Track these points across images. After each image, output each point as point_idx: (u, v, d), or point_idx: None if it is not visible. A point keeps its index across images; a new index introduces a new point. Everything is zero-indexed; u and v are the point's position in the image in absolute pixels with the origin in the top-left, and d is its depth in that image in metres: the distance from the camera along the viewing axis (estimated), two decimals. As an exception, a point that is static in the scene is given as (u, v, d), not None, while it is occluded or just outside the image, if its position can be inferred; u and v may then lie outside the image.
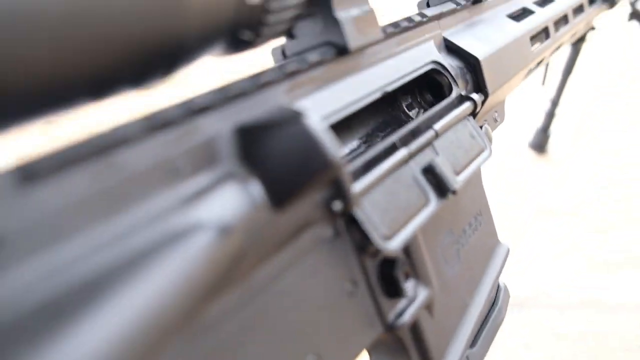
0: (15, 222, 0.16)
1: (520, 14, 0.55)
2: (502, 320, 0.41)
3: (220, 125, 0.23)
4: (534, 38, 0.55)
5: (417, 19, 0.38)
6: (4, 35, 0.14)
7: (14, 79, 0.15)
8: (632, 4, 1.21)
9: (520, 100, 1.51)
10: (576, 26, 0.72)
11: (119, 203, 0.19)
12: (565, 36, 0.67)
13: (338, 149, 0.22)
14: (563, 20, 0.65)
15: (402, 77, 0.35)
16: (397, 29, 0.36)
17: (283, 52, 0.32)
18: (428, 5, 0.48)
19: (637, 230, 0.96)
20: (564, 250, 0.98)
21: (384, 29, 0.34)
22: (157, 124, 0.21)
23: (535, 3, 0.60)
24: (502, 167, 1.39)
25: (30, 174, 0.17)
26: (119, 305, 0.16)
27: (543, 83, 1.37)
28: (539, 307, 0.86)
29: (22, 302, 0.15)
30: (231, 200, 0.22)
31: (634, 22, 1.24)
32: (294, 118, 0.22)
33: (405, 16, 0.38)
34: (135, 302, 0.17)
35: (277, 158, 0.22)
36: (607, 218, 1.03)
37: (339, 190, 0.25)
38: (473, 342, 0.37)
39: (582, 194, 1.16)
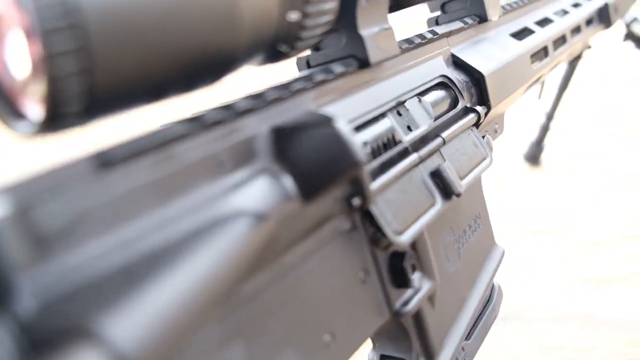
0: (94, 201, 0.19)
1: (522, 33, 0.59)
2: (495, 317, 0.45)
3: (258, 127, 0.26)
4: (534, 56, 0.59)
5: (429, 36, 0.42)
6: (117, 48, 0.18)
7: (116, 83, 0.18)
8: (628, 26, 1.25)
9: (517, 113, 1.55)
10: (574, 45, 0.75)
11: (175, 189, 0.22)
12: (563, 55, 0.70)
13: (362, 151, 0.26)
14: (561, 39, 0.69)
15: (415, 88, 0.38)
16: (411, 45, 0.39)
17: (307, 63, 0.35)
18: (437, 23, 0.51)
19: (629, 246, 0.99)
20: (555, 264, 1.01)
21: (399, 44, 0.37)
22: (206, 122, 0.24)
23: (536, 23, 0.63)
24: (496, 178, 1.42)
25: (106, 161, 0.20)
26: (176, 274, 0.19)
27: (539, 97, 1.41)
28: (527, 320, 0.89)
29: (99, 267, 0.18)
30: (266, 192, 0.25)
31: (629, 43, 1.29)
32: (325, 122, 0.26)
33: (418, 33, 0.42)
34: (188, 273, 0.20)
35: (307, 156, 0.26)
36: (598, 234, 1.06)
37: (359, 188, 0.28)
38: (469, 335, 0.40)
39: (575, 207, 1.19)
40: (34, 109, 0.18)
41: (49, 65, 0.17)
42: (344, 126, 0.25)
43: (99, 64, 0.18)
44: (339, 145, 0.25)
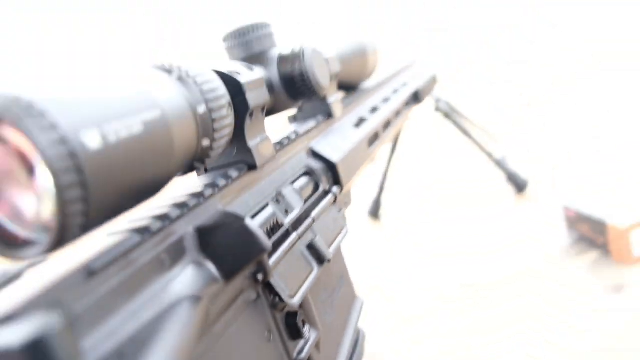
0: (86, 304, 0.25)
1: (360, 122, 0.74)
2: (363, 355, 0.55)
3: (186, 228, 0.34)
4: (370, 140, 0.74)
5: (293, 136, 0.53)
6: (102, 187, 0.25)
7: (101, 210, 0.26)
8: (436, 102, 1.54)
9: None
10: (397, 126, 0.94)
11: (137, 287, 0.29)
12: (390, 135, 0.88)
13: (267, 240, 0.35)
14: (387, 123, 0.86)
15: (288, 179, 0.49)
16: (282, 146, 0.50)
17: (205, 168, 0.44)
18: (295, 119, 0.63)
19: (439, 321, 1.08)
20: (385, 332, 1.09)
21: (274, 147, 0.48)
22: (151, 231, 0.31)
23: (369, 112, 0.79)
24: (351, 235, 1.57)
25: (91, 270, 0.26)
26: (154, 351, 0.26)
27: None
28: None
29: (100, 352, 0.25)
30: (197, 278, 0.32)
31: (439, 114, 1.58)
32: (238, 219, 0.34)
33: (285, 136, 0.53)
34: (162, 348, 0.27)
35: (225, 247, 0.34)
36: (413, 309, 1.14)
37: (262, 266, 0.37)
38: None
39: (397, 279, 1.28)
40: (44, 235, 0.24)
41: (59, 197, 0.23)
42: (251, 222, 0.34)
43: (92, 195, 0.25)
44: (250, 236, 0.34)
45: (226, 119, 0.37)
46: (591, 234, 1.09)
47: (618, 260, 1.02)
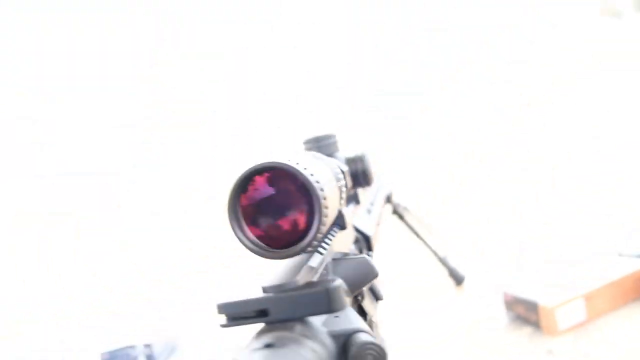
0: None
1: (369, 211, 0.95)
2: None
3: (328, 259, 0.52)
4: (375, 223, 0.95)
5: (349, 213, 0.74)
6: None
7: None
8: (394, 206, 1.81)
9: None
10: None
11: None
12: (381, 224, 1.10)
13: (379, 268, 0.54)
14: (380, 214, 1.09)
15: (351, 241, 0.68)
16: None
17: None
18: None
19: None
20: None
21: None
22: (322, 254, 0.50)
23: (371, 204, 1.02)
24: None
25: (312, 268, 0.45)
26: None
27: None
28: None
29: None
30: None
31: (395, 216, 1.84)
32: (359, 255, 0.54)
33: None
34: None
35: (351, 271, 0.53)
36: None
37: (360, 292, 0.56)
38: None
39: None
40: (298, 243, 0.43)
41: (319, 217, 0.42)
42: (369, 257, 0.54)
43: (326, 218, 0.44)
44: (370, 266, 0.53)
45: (345, 192, 0.57)
46: (525, 313, 1.33)
47: (547, 333, 1.26)
